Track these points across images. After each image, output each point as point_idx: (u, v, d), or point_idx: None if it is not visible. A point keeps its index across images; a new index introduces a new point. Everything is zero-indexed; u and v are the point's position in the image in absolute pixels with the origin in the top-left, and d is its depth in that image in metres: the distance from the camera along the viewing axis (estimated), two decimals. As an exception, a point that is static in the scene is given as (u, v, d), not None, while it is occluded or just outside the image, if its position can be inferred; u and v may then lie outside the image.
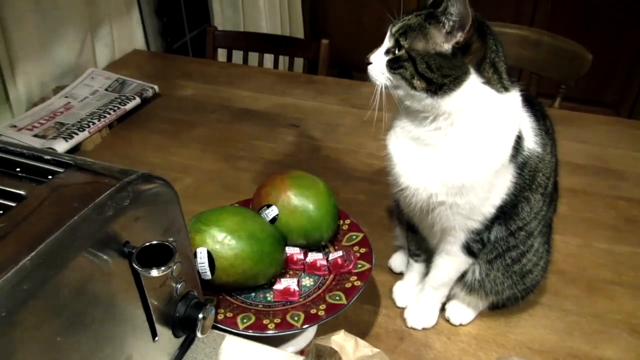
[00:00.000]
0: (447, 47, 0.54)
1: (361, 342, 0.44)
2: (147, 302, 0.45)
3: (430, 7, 0.56)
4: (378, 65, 0.58)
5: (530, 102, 0.64)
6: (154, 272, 0.41)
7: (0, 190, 0.41)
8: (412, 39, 0.55)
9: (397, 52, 0.56)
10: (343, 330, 0.44)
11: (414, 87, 0.56)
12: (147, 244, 0.42)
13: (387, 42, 0.58)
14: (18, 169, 0.44)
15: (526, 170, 0.62)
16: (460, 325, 0.73)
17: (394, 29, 0.56)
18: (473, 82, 0.55)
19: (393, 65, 0.56)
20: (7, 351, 0.32)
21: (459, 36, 0.53)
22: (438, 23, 0.53)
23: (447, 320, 0.74)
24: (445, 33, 0.53)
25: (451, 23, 0.53)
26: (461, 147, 0.57)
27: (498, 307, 0.75)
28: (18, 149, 0.46)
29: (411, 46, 0.55)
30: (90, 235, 0.38)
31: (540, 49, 1.36)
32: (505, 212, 0.63)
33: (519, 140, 0.60)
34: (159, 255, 0.43)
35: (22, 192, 0.41)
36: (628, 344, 0.72)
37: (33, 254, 0.34)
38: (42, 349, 0.35)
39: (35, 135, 1.09)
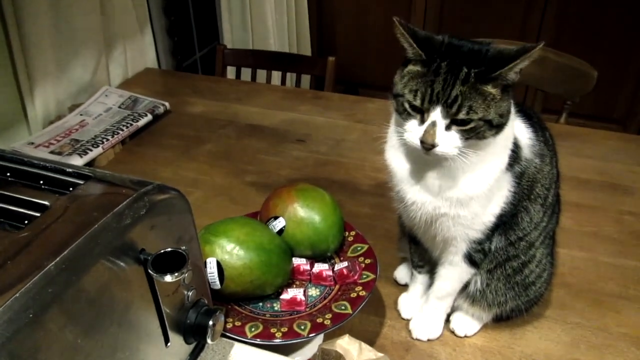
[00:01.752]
0: (498, 91, 0.54)
1: (365, 346, 0.45)
2: (161, 308, 0.46)
3: (456, 60, 0.54)
4: (447, 143, 0.55)
5: (528, 115, 0.66)
6: (168, 278, 0.43)
7: (26, 201, 0.44)
8: (478, 109, 0.53)
9: (467, 124, 0.54)
10: (347, 335, 0.46)
11: (485, 138, 0.56)
12: (162, 251, 0.44)
13: (442, 119, 0.54)
14: (41, 182, 0.47)
15: (524, 180, 0.63)
16: (465, 336, 0.74)
17: (452, 111, 0.53)
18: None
19: (469, 135, 0.55)
20: (33, 351, 0.34)
21: (515, 79, 0.54)
22: (495, 80, 0.54)
23: (452, 332, 0.75)
24: (502, 86, 0.54)
25: (511, 81, 0.54)
26: (467, 161, 0.58)
27: (503, 319, 0.75)
28: (41, 163, 0.48)
29: (483, 114, 0.54)
30: (109, 242, 0.40)
31: (546, 66, 1.38)
32: (505, 222, 0.64)
33: (516, 149, 0.61)
34: (172, 263, 0.45)
35: (45, 203, 0.43)
36: (635, 357, 0.72)
37: (57, 259, 0.36)
38: (64, 350, 0.37)
39: (52, 152, 1.13)
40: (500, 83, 0.54)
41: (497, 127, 0.56)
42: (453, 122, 0.55)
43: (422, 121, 0.56)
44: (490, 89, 0.54)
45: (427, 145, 0.55)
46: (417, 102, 0.55)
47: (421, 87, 0.55)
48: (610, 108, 2.23)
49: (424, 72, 0.55)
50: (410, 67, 0.57)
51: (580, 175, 1.08)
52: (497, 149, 0.59)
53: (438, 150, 0.55)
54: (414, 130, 0.56)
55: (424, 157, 0.58)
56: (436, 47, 0.55)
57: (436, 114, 0.54)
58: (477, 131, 0.55)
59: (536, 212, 0.66)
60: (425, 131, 0.55)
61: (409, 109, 0.56)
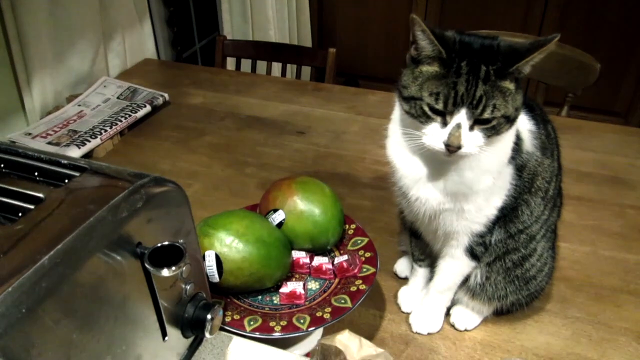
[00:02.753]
0: (514, 85, 0.54)
1: (365, 341, 0.45)
2: (158, 302, 0.46)
3: (481, 56, 0.53)
4: (472, 143, 0.54)
5: (530, 107, 0.65)
6: (165, 272, 0.42)
7: (20, 193, 0.43)
8: (500, 106, 0.53)
9: (490, 123, 0.54)
10: (347, 330, 0.45)
11: (502, 133, 0.55)
12: (159, 245, 0.43)
13: (466, 120, 0.53)
14: (36, 173, 0.46)
15: (525, 173, 0.62)
16: (465, 330, 0.74)
17: (477, 112, 0.52)
18: None
19: (491, 132, 0.54)
20: (27, 347, 0.33)
21: (527, 72, 0.54)
22: (512, 75, 0.53)
23: (452, 326, 0.74)
24: (515, 79, 0.54)
25: (525, 74, 0.53)
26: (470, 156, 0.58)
27: (503, 313, 0.75)
28: (36, 154, 0.48)
29: (504, 111, 0.53)
30: (105, 236, 0.39)
31: (548, 58, 1.35)
32: (506, 215, 0.64)
33: (517, 142, 0.61)
34: (169, 256, 0.44)
35: (40, 195, 0.43)
36: (636, 352, 0.71)
37: (51, 253, 0.36)
38: (58, 345, 0.36)
39: (49, 143, 1.12)
40: (515, 77, 0.54)
41: (512, 121, 0.55)
42: (476, 121, 0.54)
43: (445, 124, 0.54)
44: (507, 84, 0.53)
45: (453, 148, 0.54)
46: (440, 106, 0.53)
47: (443, 89, 0.53)
48: (612, 101, 2.22)
49: (443, 73, 0.53)
50: (425, 68, 0.55)
51: (582, 169, 1.07)
52: (502, 142, 0.58)
53: (463, 151, 0.54)
54: (435, 134, 0.55)
55: (423, 150, 0.57)
56: (450, 45, 0.54)
57: (461, 116, 0.53)
58: (497, 128, 0.54)
59: (537, 205, 0.65)
60: (450, 134, 0.53)
61: (429, 112, 0.54)
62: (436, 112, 0.54)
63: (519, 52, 0.52)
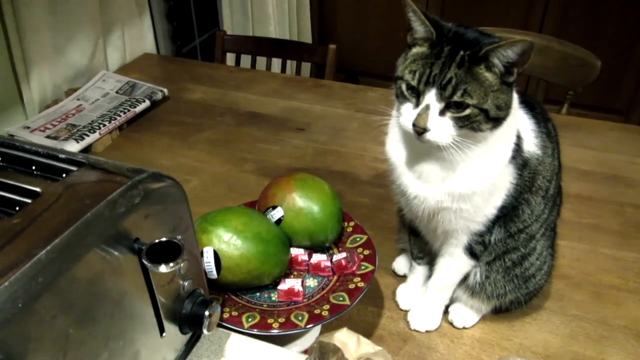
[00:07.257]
0: (498, 81, 0.53)
1: (363, 339, 0.45)
2: (156, 298, 0.46)
3: (453, 42, 0.53)
4: (440, 129, 0.54)
5: (531, 105, 0.65)
6: (163, 268, 0.42)
7: (17, 187, 0.43)
8: (473, 93, 0.52)
9: (462, 110, 0.53)
10: (346, 328, 0.45)
11: (480, 130, 0.54)
12: (157, 240, 0.43)
13: (436, 102, 0.54)
14: (34, 167, 0.46)
15: (526, 172, 0.62)
16: (464, 328, 0.74)
17: (446, 93, 0.52)
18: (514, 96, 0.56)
19: (463, 123, 0.53)
20: (23, 341, 0.33)
21: (515, 72, 0.53)
22: (493, 66, 0.53)
23: (451, 323, 0.74)
24: (500, 74, 0.53)
25: (509, 64, 0.52)
26: (469, 154, 0.57)
27: (502, 311, 0.75)
28: (34, 148, 0.47)
29: (478, 101, 0.52)
30: (102, 231, 0.39)
31: (549, 55, 1.36)
32: (506, 214, 0.64)
33: (518, 141, 0.61)
34: (167, 252, 0.44)
35: (37, 189, 0.42)
36: (634, 349, 0.71)
37: (48, 248, 0.36)
38: (55, 341, 0.36)
39: (48, 137, 1.11)
40: (493, 68, 0.53)
41: (495, 120, 0.55)
42: (447, 106, 0.54)
43: (417, 105, 0.55)
44: (484, 72, 0.53)
45: (419, 129, 0.54)
46: (414, 83, 0.54)
47: (420, 68, 0.54)
48: (613, 99, 2.21)
49: (427, 54, 0.55)
50: (416, 50, 0.57)
51: (581, 167, 1.07)
52: (500, 142, 0.58)
53: (430, 135, 0.54)
54: (408, 114, 0.56)
55: (421, 146, 0.57)
56: (443, 30, 0.55)
57: (431, 97, 0.54)
58: (471, 120, 0.54)
59: (537, 204, 0.65)
60: (418, 114, 0.54)
61: (405, 91, 0.56)
62: (412, 90, 0.55)
63: (493, 40, 0.53)
